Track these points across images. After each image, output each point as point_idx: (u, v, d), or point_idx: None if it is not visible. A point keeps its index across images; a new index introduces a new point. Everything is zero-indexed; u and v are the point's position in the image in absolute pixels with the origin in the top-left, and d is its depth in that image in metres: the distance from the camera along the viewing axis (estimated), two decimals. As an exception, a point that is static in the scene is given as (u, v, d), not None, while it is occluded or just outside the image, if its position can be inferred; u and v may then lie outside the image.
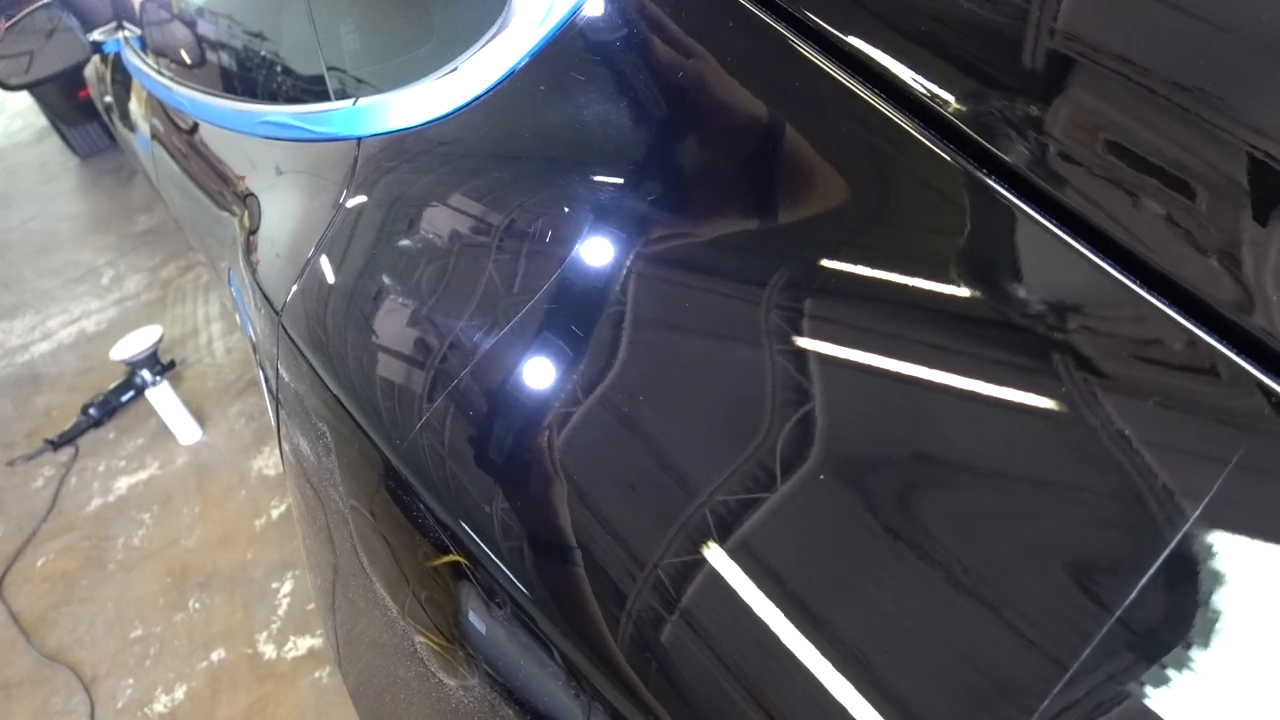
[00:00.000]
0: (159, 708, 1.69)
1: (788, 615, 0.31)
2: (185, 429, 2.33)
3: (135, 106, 1.64)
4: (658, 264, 0.40)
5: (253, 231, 0.84)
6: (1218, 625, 0.23)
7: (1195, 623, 0.24)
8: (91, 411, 2.47)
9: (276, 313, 0.69)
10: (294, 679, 1.66)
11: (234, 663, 1.73)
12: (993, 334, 0.30)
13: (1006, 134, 0.31)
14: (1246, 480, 0.24)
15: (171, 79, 1.28)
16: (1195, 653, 0.24)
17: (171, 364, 2.53)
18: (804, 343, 0.34)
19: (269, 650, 1.73)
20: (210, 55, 1.12)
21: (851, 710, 0.29)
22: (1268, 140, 0.26)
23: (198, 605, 1.88)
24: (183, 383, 2.55)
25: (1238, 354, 0.25)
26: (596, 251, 0.43)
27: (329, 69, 0.74)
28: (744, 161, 0.39)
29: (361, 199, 0.63)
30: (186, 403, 2.34)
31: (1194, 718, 0.23)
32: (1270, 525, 0.24)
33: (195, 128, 1.18)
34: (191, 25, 1.21)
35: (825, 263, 0.34)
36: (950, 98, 0.32)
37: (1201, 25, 0.29)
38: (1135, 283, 0.27)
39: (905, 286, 0.32)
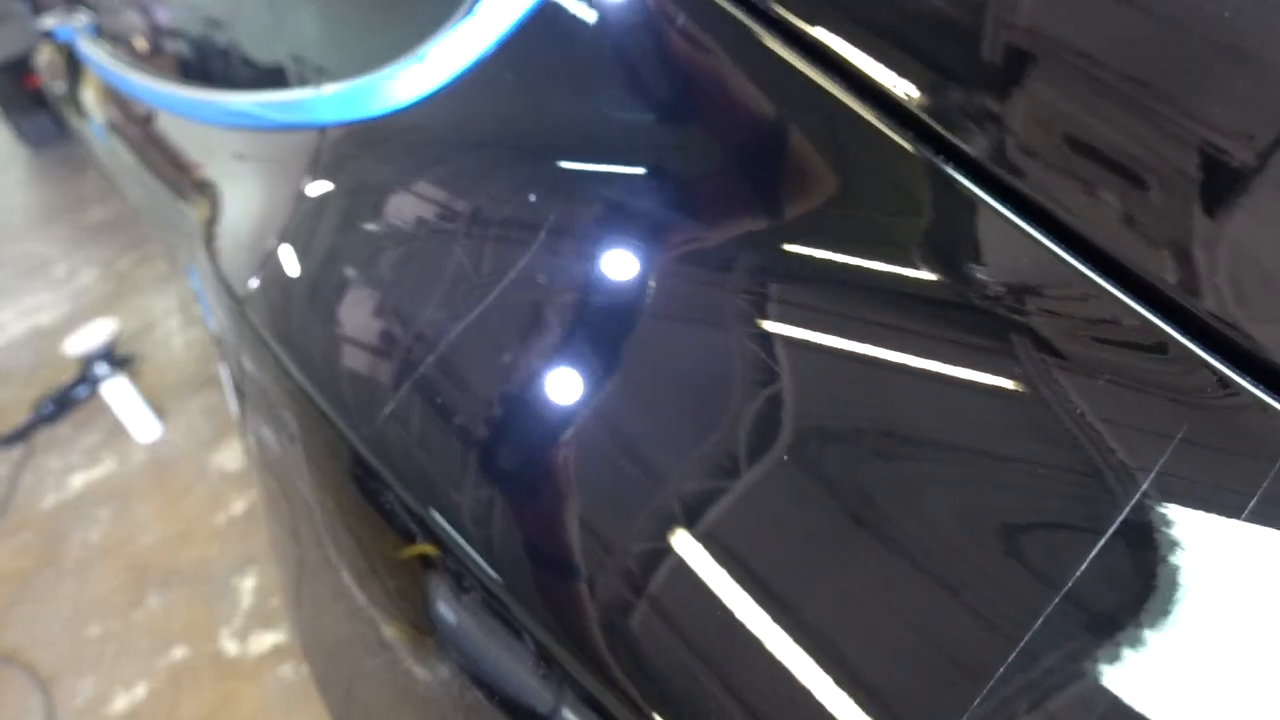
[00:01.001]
0: (119, 706, 1.66)
1: (757, 598, 0.31)
2: (143, 424, 2.29)
3: (89, 95, 1.60)
4: (622, 251, 0.40)
5: (214, 221, 0.83)
6: (1165, 595, 0.24)
7: (1143, 593, 0.25)
8: (45, 407, 2.41)
9: (239, 303, 0.69)
10: (257, 675, 1.64)
11: (196, 660, 1.71)
12: (952, 316, 0.31)
13: (966, 125, 0.31)
14: (1191, 454, 0.25)
15: (128, 66, 1.25)
16: (1143, 624, 0.25)
17: (129, 358, 2.48)
18: (767, 326, 0.34)
19: (231, 646, 1.71)
20: (168, 42, 1.10)
21: (819, 694, 0.29)
22: (1216, 134, 0.27)
23: (158, 602, 1.85)
24: (141, 377, 2.50)
25: (1185, 335, 0.26)
26: (562, 240, 0.43)
27: (292, 56, 0.73)
28: (708, 150, 0.39)
29: (325, 187, 0.62)
30: (146, 397, 2.30)
31: (1141, 689, 0.24)
32: (1213, 496, 0.25)
33: (152, 116, 1.16)
34: (149, 11, 1.19)
35: (790, 248, 0.35)
36: (912, 89, 0.33)
37: (1155, 23, 0.30)
38: (1089, 267, 0.28)
39: (867, 270, 0.33)
